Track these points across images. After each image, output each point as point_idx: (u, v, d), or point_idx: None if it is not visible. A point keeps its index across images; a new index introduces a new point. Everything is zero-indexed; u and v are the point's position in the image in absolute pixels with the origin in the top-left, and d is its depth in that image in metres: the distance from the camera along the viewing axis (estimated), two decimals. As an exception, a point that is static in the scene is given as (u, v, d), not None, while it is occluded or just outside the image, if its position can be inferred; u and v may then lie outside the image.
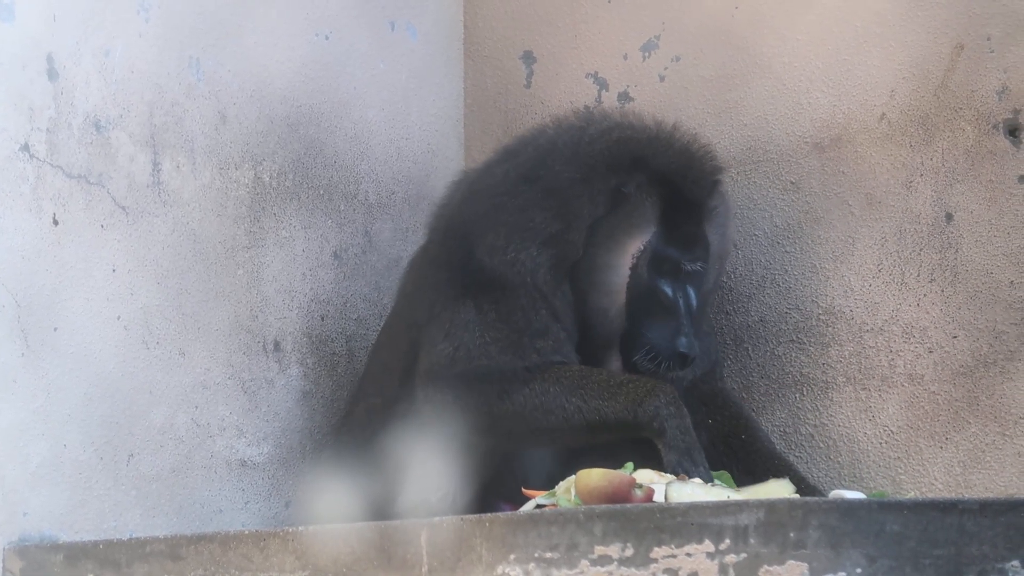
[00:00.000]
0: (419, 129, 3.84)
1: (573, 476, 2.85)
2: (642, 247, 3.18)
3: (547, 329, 3.15)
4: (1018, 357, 3.17)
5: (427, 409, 3.13)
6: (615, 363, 3.20)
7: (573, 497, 2.83)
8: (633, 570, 2.48)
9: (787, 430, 3.41)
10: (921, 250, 3.30)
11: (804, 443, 3.40)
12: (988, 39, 3.24)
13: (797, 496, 2.85)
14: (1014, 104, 3.21)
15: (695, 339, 3.17)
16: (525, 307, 3.16)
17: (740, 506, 2.43)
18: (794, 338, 3.43)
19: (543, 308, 3.17)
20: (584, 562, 2.53)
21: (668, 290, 3.19)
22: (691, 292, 3.21)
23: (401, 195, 3.78)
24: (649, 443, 3.23)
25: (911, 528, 2.41)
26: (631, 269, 3.18)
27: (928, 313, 3.28)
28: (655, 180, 3.19)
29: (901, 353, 3.30)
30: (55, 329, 3.18)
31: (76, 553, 3.03)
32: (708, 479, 2.94)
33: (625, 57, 3.70)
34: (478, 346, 3.13)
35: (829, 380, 3.38)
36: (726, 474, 2.98)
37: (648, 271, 3.19)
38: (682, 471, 2.96)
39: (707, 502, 2.58)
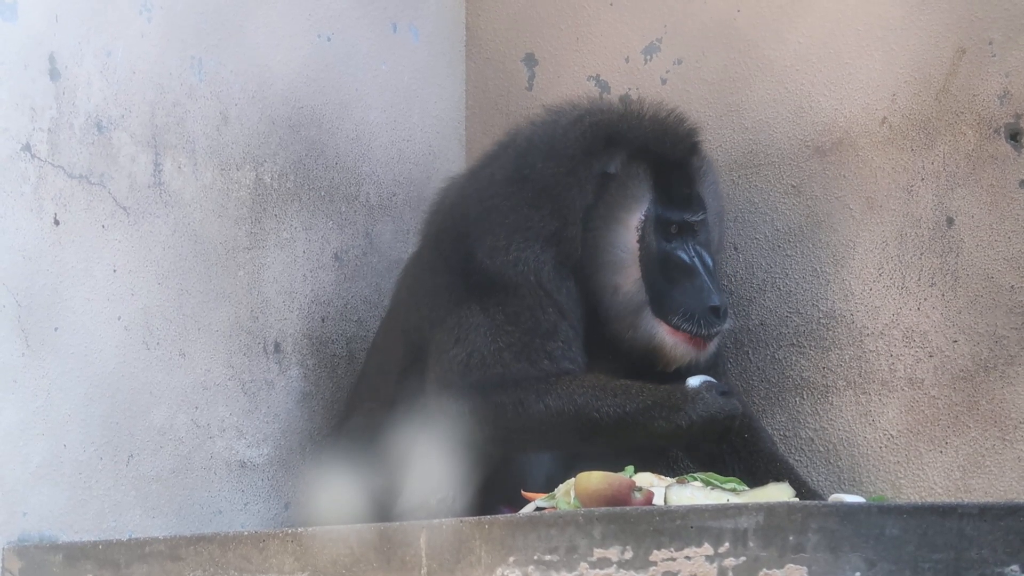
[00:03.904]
0: (421, 131, 3.84)
1: (573, 479, 2.85)
2: (643, 216, 3.20)
3: (556, 328, 3.16)
4: (1018, 361, 3.17)
5: (442, 419, 3.13)
6: (638, 336, 3.19)
7: (572, 500, 2.83)
8: (632, 573, 2.48)
9: (787, 434, 3.41)
10: (922, 254, 3.30)
11: (804, 447, 3.40)
12: (990, 43, 3.24)
13: (797, 500, 2.85)
14: (1015, 108, 3.21)
15: (721, 292, 3.19)
16: (532, 306, 3.17)
17: (739, 509, 2.43)
18: (794, 342, 3.43)
19: (549, 306, 3.17)
20: (583, 565, 2.53)
21: (681, 252, 3.21)
22: (702, 251, 3.23)
23: (402, 197, 3.78)
24: (649, 446, 3.23)
25: (910, 532, 2.41)
26: (639, 241, 3.19)
27: (928, 317, 3.28)
28: (636, 153, 3.22)
29: (901, 357, 3.30)
30: (56, 329, 3.18)
31: (75, 553, 3.03)
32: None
33: (627, 60, 3.70)
34: (491, 352, 3.13)
35: (829, 384, 3.38)
36: (735, 479, 2.97)
37: (656, 238, 3.20)
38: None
39: (706, 505, 2.58)
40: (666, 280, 3.19)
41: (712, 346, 3.19)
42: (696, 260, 3.22)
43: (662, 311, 3.17)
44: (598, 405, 3.07)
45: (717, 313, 3.16)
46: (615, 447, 3.11)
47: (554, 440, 3.12)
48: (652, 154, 3.22)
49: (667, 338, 3.17)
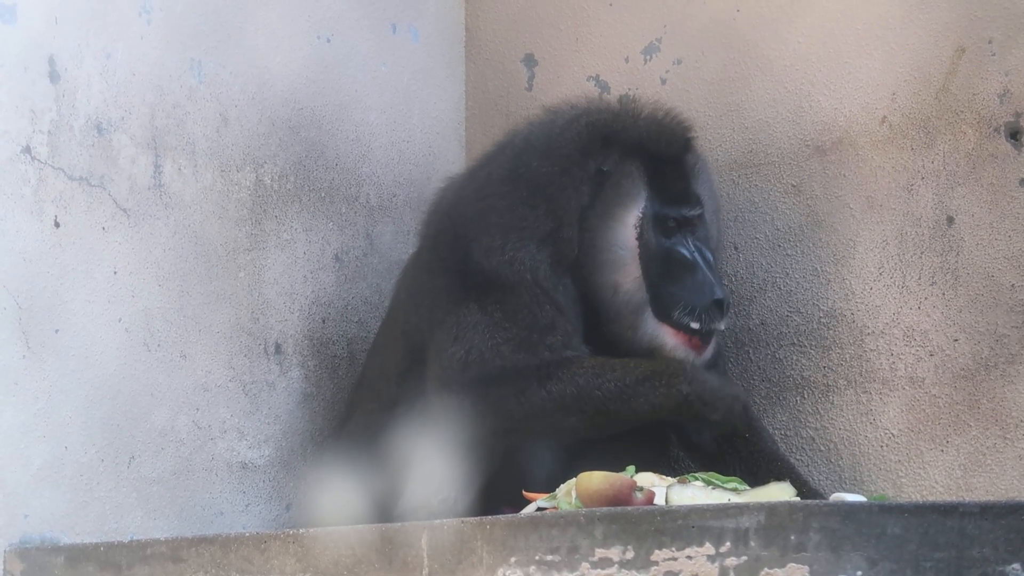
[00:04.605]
0: (420, 132, 3.84)
1: (574, 479, 2.85)
2: (640, 214, 3.21)
3: (554, 324, 3.16)
4: (1019, 360, 3.17)
5: (444, 418, 3.13)
6: (638, 337, 3.20)
7: (574, 500, 2.83)
8: (634, 573, 2.49)
9: (788, 433, 3.41)
10: (922, 253, 3.30)
11: (805, 446, 3.40)
12: (989, 42, 3.24)
13: (798, 499, 2.85)
14: (1015, 107, 3.21)
15: (723, 286, 3.20)
16: (529, 304, 3.17)
17: (741, 509, 2.43)
18: (795, 341, 3.43)
19: (546, 304, 3.18)
20: (585, 565, 2.53)
21: (681, 248, 3.22)
22: (702, 246, 3.24)
23: (402, 198, 3.79)
24: (650, 446, 3.23)
25: (912, 531, 2.41)
26: (638, 238, 3.20)
27: (929, 316, 3.28)
28: (631, 151, 3.23)
29: (902, 356, 3.30)
30: (56, 331, 3.18)
31: (77, 555, 3.03)
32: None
33: (626, 60, 3.70)
34: (490, 347, 3.13)
35: (830, 383, 3.38)
36: (736, 479, 2.98)
37: (656, 234, 3.21)
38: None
39: (708, 505, 2.58)
40: (667, 277, 3.19)
41: (710, 349, 3.19)
42: (697, 255, 3.22)
43: (664, 310, 3.18)
44: (599, 383, 3.07)
45: (721, 307, 3.16)
46: (620, 426, 3.11)
47: (558, 425, 3.12)
48: (646, 151, 3.23)
49: (667, 339, 3.18)
